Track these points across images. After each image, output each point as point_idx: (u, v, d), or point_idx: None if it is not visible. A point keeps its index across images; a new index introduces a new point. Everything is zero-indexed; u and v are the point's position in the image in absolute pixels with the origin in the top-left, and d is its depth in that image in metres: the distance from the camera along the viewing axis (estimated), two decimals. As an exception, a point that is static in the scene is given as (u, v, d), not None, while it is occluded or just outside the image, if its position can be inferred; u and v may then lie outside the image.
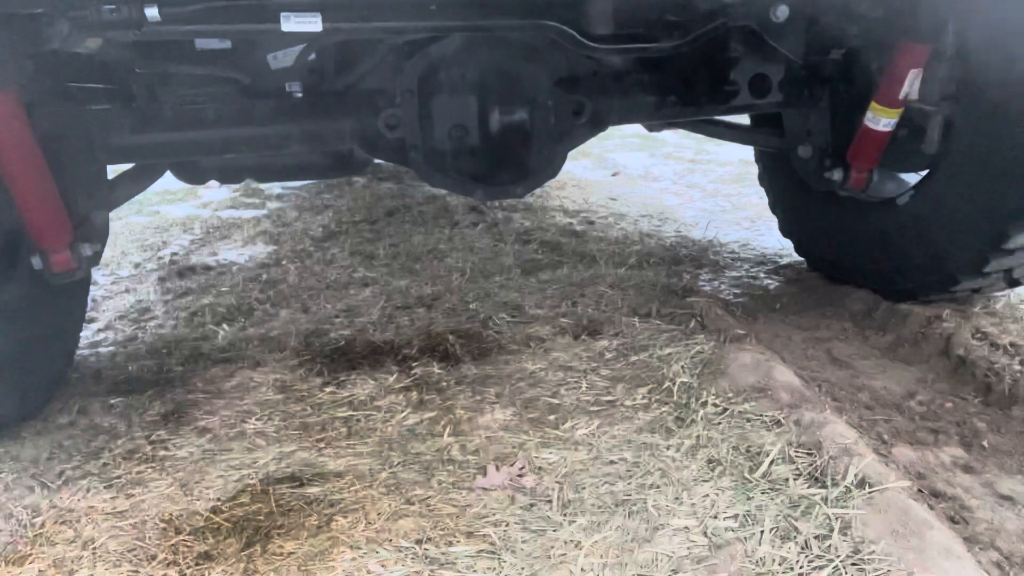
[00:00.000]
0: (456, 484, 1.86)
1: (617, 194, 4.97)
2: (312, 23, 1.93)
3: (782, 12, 2.24)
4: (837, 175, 2.70)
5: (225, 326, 2.95)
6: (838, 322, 2.84)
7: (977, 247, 2.43)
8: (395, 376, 2.42)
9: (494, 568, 1.57)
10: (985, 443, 2.07)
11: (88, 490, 1.92)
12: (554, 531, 1.67)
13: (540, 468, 1.90)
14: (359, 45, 2.38)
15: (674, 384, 2.23)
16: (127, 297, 3.40)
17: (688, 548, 1.59)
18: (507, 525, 1.69)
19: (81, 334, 2.73)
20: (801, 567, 1.51)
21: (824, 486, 1.72)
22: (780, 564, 1.53)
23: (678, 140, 6.41)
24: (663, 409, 2.12)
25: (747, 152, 4.01)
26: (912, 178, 2.84)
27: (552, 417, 2.14)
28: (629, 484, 1.81)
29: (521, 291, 3.11)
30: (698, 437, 1.97)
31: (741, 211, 4.44)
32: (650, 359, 2.42)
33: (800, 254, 3.36)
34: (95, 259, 2.25)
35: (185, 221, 4.66)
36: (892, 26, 2.37)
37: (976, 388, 2.32)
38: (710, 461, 1.87)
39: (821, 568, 1.50)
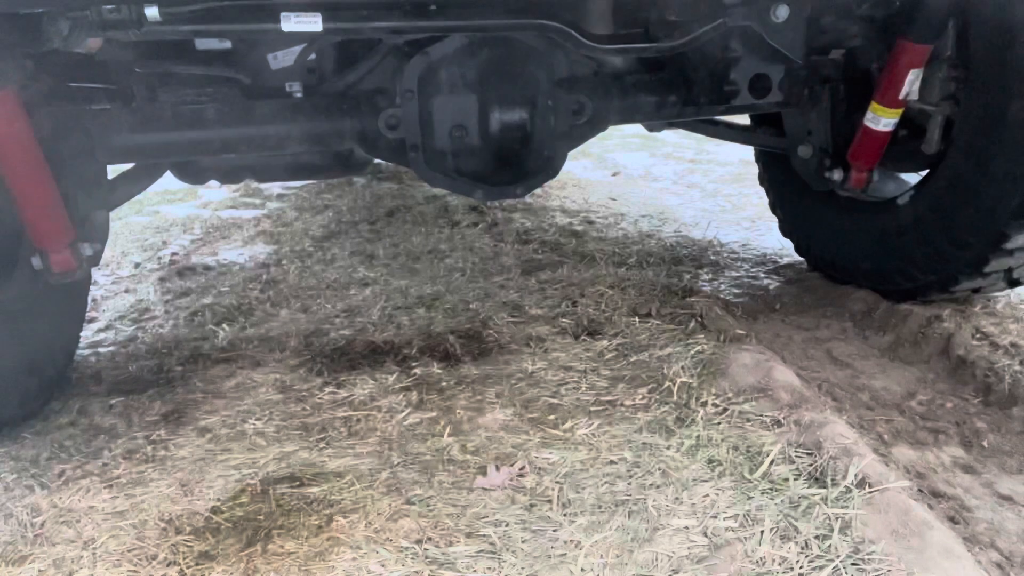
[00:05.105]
0: (456, 484, 1.86)
1: (617, 194, 4.97)
2: (312, 23, 1.93)
3: (782, 12, 2.24)
4: (837, 175, 2.70)
5: (225, 326, 2.95)
6: (838, 322, 2.84)
7: (977, 247, 2.43)
8: (395, 376, 2.42)
9: (494, 568, 1.57)
10: (985, 443, 2.07)
11: (88, 490, 1.92)
12: (554, 531, 1.67)
13: (540, 468, 1.90)
14: (359, 45, 2.38)
15: (674, 384, 2.23)
16: (127, 297, 3.40)
17: (688, 548, 1.59)
18: (507, 525, 1.69)
19: (81, 334, 2.74)
20: (801, 567, 1.51)
21: (824, 486, 1.72)
22: (780, 564, 1.53)
23: (678, 140, 6.41)
24: (663, 409, 2.12)
25: (747, 152, 4.01)
26: (912, 178, 2.84)
27: (552, 417, 2.14)
28: (629, 484, 1.81)
29: (521, 291, 3.11)
30: (698, 437, 1.97)
31: (741, 211, 4.44)
32: (650, 359, 2.42)
33: (800, 254, 3.36)
34: (95, 259, 2.25)
35: (185, 221, 4.66)
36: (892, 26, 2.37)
37: (976, 388, 2.32)
38: (710, 461, 1.87)
39: (821, 568, 1.50)
